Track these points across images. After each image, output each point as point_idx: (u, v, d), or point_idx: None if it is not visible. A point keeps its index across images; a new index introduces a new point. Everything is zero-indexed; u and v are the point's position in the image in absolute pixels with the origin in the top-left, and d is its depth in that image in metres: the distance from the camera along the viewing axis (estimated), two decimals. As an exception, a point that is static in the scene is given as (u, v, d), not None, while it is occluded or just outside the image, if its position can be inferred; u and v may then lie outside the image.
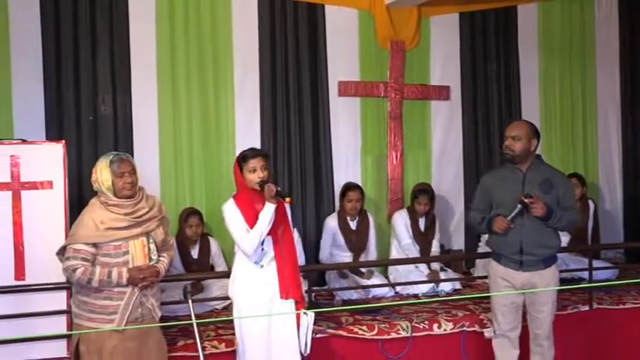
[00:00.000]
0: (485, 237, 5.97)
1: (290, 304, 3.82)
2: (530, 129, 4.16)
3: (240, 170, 3.77)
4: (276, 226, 3.78)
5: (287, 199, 3.74)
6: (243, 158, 3.77)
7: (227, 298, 4.90)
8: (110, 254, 3.52)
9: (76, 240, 3.50)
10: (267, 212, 3.69)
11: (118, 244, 3.53)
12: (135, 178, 3.63)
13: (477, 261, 6.18)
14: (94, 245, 3.51)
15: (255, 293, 3.79)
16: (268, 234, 3.76)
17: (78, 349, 3.60)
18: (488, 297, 5.02)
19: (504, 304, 4.25)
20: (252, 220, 3.72)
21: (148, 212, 3.65)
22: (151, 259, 3.63)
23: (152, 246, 3.66)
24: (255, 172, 3.72)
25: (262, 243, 3.75)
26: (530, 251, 4.09)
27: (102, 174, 3.57)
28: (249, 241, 3.71)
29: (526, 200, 4.00)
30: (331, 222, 5.77)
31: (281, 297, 3.78)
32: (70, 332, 4.01)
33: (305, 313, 3.82)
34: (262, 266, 3.79)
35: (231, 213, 3.77)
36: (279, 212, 3.77)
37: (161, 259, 3.75)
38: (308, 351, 3.85)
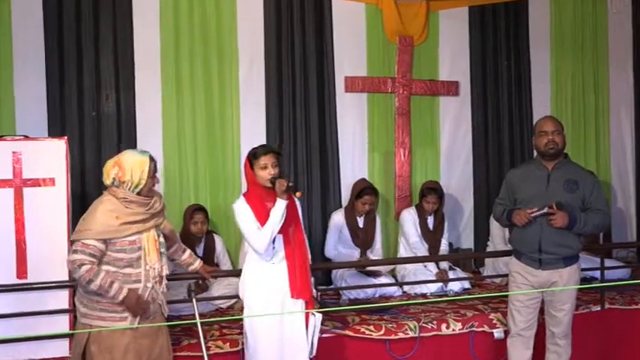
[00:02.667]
0: (494, 235, 5.99)
1: (300, 304, 3.82)
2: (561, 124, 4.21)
3: (251, 167, 3.77)
4: (287, 225, 3.77)
5: (297, 194, 3.75)
6: (254, 155, 3.77)
7: (232, 297, 4.96)
8: (125, 249, 3.51)
9: (88, 235, 3.46)
10: (279, 208, 3.68)
11: (133, 239, 3.52)
12: (157, 179, 3.69)
13: (487, 260, 6.17)
14: (105, 241, 3.49)
15: (267, 293, 3.79)
16: (280, 232, 3.75)
17: (85, 351, 3.57)
18: (498, 297, 5.04)
19: (522, 302, 4.24)
20: (263, 217, 3.71)
21: (159, 206, 3.68)
22: (161, 254, 3.64)
23: (162, 239, 3.68)
24: (266, 169, 3.72)
25: (273, 241, 3.75)
26: (548, 250, 4.08)
27: (135, 171, 3.53)
28: (260, 238, 3.70)
29: (550, 210, 3.99)
30: (337, 217, 5.78)
31: (291, 297, 3.79)
32: (73, 332, 4.01)
33: (313, 313, 3.82)
34: (274, 264, 3.79)
35: (242, 211, 3.76)
36: (291, 210, 3.77)
37: (194, 260, 4.07)
38: (314, 352, 3.85)
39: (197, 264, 4.13)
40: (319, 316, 3.85)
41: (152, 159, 3.62)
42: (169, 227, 3.85)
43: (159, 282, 3.64)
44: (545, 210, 4.01)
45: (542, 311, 4.35)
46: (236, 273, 4.06)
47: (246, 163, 3.83)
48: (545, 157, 4.16)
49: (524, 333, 4.28)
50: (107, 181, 3.58)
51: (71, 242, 3.54)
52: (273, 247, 3.77)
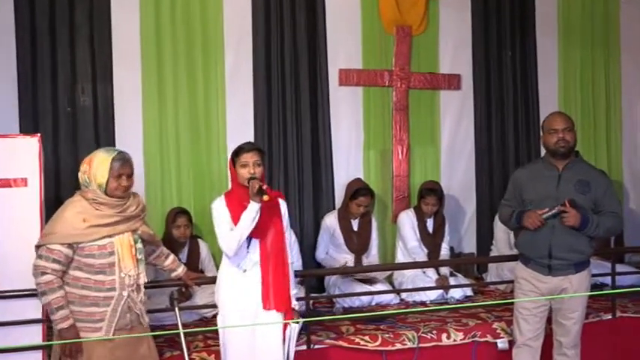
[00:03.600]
0: (497, 238, 6.01)
1: (276, 315, 3.79)
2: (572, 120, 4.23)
3: (234, 165, 3.80)
4: (264, 228, 3.78)
5: (264, 197, 3.64)
6: (236, 152, 3.80)
7: (215, 306, 4.96)
8: (94, 255, 3.51)
9: (52, 240, 3.47)
10: (250, 211, 3.68)
11: (102, 243, 3.52)
12: (131, 182, 3.64)
13: (490, 266, 6.19)
14: (72, 246, 3.49)
15: (239, 301, 3.80)
16: (255, 236, 3.76)
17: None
18: (502, 304, 5.05)
19: (529, 310, 4.25)
20: (238, 219, 3.73)
21: (134, 210, 3.67)
22: (138, 261, 3.64)
23: (139, 245, 3.67)
24: (246, 168, 3.73)
25: (248, 246, 3.77)
26: (559, 255, 4.10)
27: (98, 169, 3.55)
28: (228, 240, 3.72)
29: (562, 208, 4.01)
30: (329, 220, 5.80)
31: (263, 308, 3.77)
32: (46, 343, 4.02)
33: (289, 323, 3.80)
34: (245, 271, 3.79)
35: (219, 210, 3.80)
36: (269, 213, 3.78)
37: (178, 266, 4.10)
38: None
39: (180, 270, 4.14)
40: (295, 327, 3.84)
41: (123, 159, 3.60)
42: (148, 231, 3.83)
43: (136, 290, 3.64)
44: (557, 209, 4.03)
45: (549, 320, 4.37)
46: (214, 280, 4.07)
47: (230, 161, 3.86)
48: (555, 156, 4.17)
49: (532, 343, 4.29)
50: (81, 180, 3.62)
51: (36, 246, 3.55)
52: (248, 252, 3.79)
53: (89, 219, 3.51)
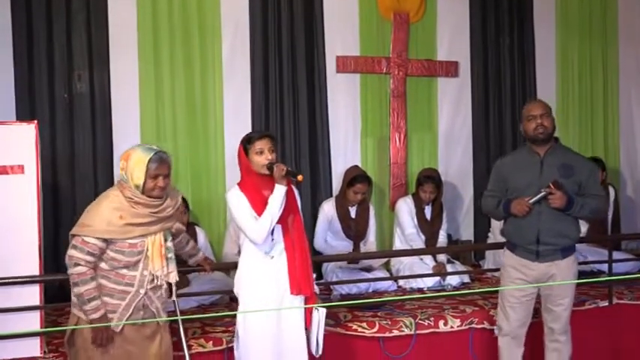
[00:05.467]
0: (494, 226, 6.01)
1: (300, 300, 3.80)
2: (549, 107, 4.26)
3: (246, 153, 3.74)
4: (286, 214, 3.74)
5: (299, 177, 3.65)
6: (248, 140, 3.74)
7: (215, 293, 4.97)
8: (124, 252, 3.48)
9: (88, 232, 3.43)
10: (278, 195, 3.65)
11: (134, 242, 3.49)
12: (168, 181, 3.58)
13: (487, 253, 6.20)
14: (106, 241, 3.45)
15: (265, 288, 3.76)
16: (278, 222, 3.72)
17: (73, 339, 3.59)
18: (499, 291, 5.06)
19: (516, 297, 4.27)
20: (260, 206, 3.68)
21: (170, 210, 3.63)
22: (168, 259, 3.62)
23: (170, 244, 3.65)
24: (263, 154, 3.68)
25: (272, 232, 3.72)
26: (547, 241, 4.12)
27: (134, 169, 3.48)
28: (258, 228, 3.66)
29: (548, 190, 4.03)
30: (327, 207, 5.80)
31: (291, 292, 3.76)
32: (45, 330, 4.02)
33: (316, 309, 3.80)
34: (272, 257, 3.77)
35: (238, 200, 3.72)
36: (289, 198, 3.74)
37: (197, 251, 4.16)
38: (320, 352, 3.85)
39: (200, 255, 4.19)
40: (323, 311, 3.82)
41: (160, 160, 3.52)
42: (181, 227, 3.90)
43: (156, 288, 3.61)
44: (544, 192, 4.05)
45: (537, 311, 4.39)
46: (234, 266, 4.04)
47: (240, 150, 3.78)
48: (535, 142, 4.21)
49: (519, 331, 4.33)
50: (120, 176, 3.56)
51: (71, 235, 3.51)
52: (272, 239, 3.75)
53: (125, 216, 3.46)
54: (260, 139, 3.71)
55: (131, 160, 3.50)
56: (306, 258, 3.83)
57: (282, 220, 3.74)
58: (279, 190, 3.65)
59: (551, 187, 4.03)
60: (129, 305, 3.52)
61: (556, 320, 4.27)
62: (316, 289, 3.97)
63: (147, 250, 3.53)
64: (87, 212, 3.52)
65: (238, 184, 3.80)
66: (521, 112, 4.35)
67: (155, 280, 3.57)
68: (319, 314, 3.82)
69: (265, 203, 3.68)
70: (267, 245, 3.74)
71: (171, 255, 3.65)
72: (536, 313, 4.40)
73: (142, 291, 3.55)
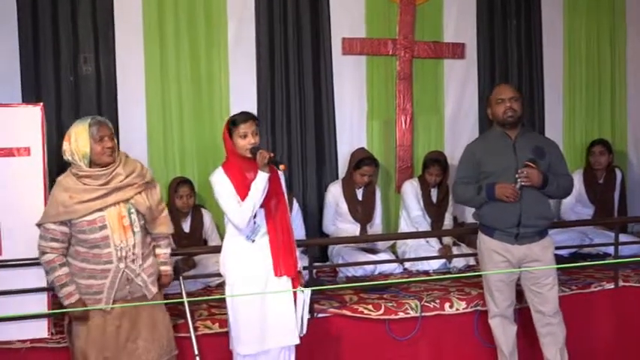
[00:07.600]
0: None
1: (286, 281, 3.84)
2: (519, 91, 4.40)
3: (230, 136, 3.77)
4: (269, 198, 3.78)
5: (281, 166, 3.70)
6: (232, 122, 3.77)
7: (221, 274, 4.98)
8: (84, 230, 3.51)
9: (46, 219, 3.53)
10: (261, 181, 3.68)
11: (91, 218, 3.51)
12: (114, 144, 3.61)
13: (493, 235, 6.18)
14: (65, 223, 3.51)
15: (249, 270, 3.81)
16: (261, 206, 3.76)
17: (71, 326, 3.67)
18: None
19: (503, 281, 4.34)
20: (243, 190, 3.71)
21: (125, 179, 3.61)
22: (133, 232, 3.62)
23: (134, 217, 3.62)
24: (247, 138, 3.71)
25: (255, 216, 3.75)
26: (528, 223, 4.19)
27: (78, 140, 3.53)
28: (241, 213, 3.70)
29: (527, 169, 4.10)
30: (334, 189, 5.80)
31: (275, 274, 3.81)
32: (50, 312, 4.04)
33: (301, 290, 3.84)
34: (254, 241, 3.80)
35: (221, 183, 3.76)
36: (273, 182, 3.77)
37: (162, 263, 3.85)
38: (304, 331, 3.88)
39: (163, 268, 3.88)
40: (308, 292, 3.86)
41: (99, 122, 3.57)
42: (145, 205, 3.68)
43: (135, 261, 3.63)
44: (522, 173, 4.12)
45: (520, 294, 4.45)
46: (218, 250, 4.06)
47: (224, 132, 3.82)
48: (504, 126, 4.28)
49: (508, 310, 4.42)
50: (65, 158, 3.61)
51: (37, 225, 3.59)
52: (255, 222, 3.78)
53: (75, 195, 3.51)
54: (244, 122, 3.74)
55: (72, 135, 3.56)
56: (289, 241, 3.87)
57: (265, 204, 3.78)
58: (262, 177, 3.68)
59: (529, 164, 4.11)
60: (113, 282, 3.56)
61: (545, 302, 4.31)
62: (300, 267, 3.99)
63: (109, 224, 3.54)
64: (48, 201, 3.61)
65: (222, 165, 3.83)
66: (489, 97, 4.42)
67: (125, 253, 3.58)
68: (304, 295, 3.84)
69: (248, 187, 3.71)
70: (249, 229, 3.77)
71: (137, 229, 3.63)
72: (519, 295, 4.47)
73: (122, 265, 3.58)
